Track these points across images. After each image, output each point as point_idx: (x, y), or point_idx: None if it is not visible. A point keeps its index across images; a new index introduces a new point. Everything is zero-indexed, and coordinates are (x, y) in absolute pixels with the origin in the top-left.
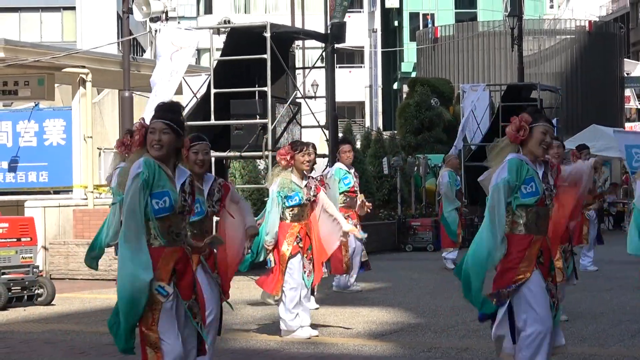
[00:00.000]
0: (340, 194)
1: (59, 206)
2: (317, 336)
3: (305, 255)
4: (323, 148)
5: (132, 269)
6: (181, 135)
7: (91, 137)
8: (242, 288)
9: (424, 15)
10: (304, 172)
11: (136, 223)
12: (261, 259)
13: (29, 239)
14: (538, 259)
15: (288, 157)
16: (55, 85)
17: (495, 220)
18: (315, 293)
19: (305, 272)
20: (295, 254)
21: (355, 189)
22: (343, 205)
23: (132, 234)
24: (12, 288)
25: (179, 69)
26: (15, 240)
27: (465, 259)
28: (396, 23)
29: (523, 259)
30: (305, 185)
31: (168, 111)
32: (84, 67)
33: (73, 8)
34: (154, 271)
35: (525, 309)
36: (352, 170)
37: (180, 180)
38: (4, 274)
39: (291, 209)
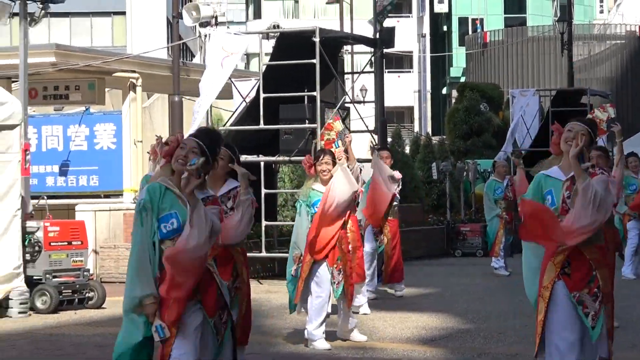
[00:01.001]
0: None
1: (110, 210)
2: (366, 341)
3: (334, 265)
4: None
5: (131, 289)
6: (209, 163)
7: (141, 141)
8: None
9: (473, 20)
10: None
11: (145, 251)
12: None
13: (79, 243)
14: (563, 269)
15: (308, 166)
16: (106, 89)
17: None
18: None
19: (334, 282)
20: (319, 261)
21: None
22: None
23: (141, 262)
24: (63, 291)
25: (225, 73)
26: (67, 243)
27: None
28: (445, 28)
29: (547, 268)
30: None
31: (206, 136)
32: (134, 71)
33: (123, 13)
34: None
35: (548, 321)
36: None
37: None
38: (55, 277)
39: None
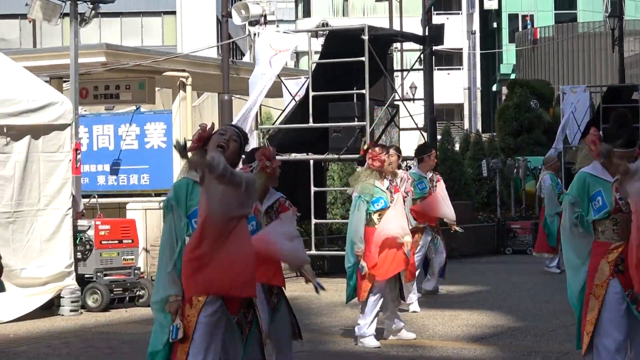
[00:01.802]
0: (415, 199)
1: (160, 208)
2: (416, 339)
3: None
4: None
5: (157, 287)
6: (240, 157)
7: (191, 140)
8: (341, 291)
9: (523, 16)
10: (387, 175)
11: (170, 249)
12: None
13: (130, 241)
14: (617, 266)
15: (382, 158)
16: (156, 88)
17: (569, 238)
18: (410, 295)
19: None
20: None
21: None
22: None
23: (164, 259)
24: (114, 289)
25: (273, 71)
26: (117, 242)
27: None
28: (495, 24)
29: (598, 266)
30: (387, 188)
31: (241, 131)
32: (184, 70)
33: (173, 12)
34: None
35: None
36: (430, 175)
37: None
38: (106, 275)
39: (378, 213)
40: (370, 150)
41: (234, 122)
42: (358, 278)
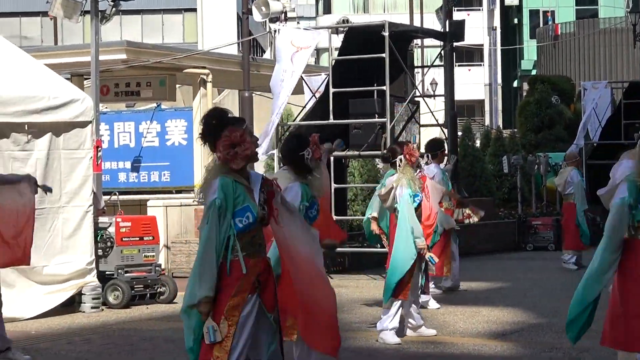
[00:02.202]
0: None
1: (181, 205)
2: (434, 335)
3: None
4: None
5: (192, 287)
6: None
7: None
8: (362, 287)
9: (544, 12)
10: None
11: (213, 251)
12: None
13: (151, 238)
14: None
15: (416, 154)
16: (177, 85)
17: (613, 240)
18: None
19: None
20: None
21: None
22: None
23: (207, 262)
24: (135, 286)
25: (298, 69)
26: (138, 239)
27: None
28: (516, 20)
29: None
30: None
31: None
32: (204, 67)
33: (194, 10)
34: (237, 283)
35: None
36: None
37: (257, 187)
38: (127, 272)
39: (416, 208)
40: (405, 147)
41: (269, 125)
42: (408, 276)
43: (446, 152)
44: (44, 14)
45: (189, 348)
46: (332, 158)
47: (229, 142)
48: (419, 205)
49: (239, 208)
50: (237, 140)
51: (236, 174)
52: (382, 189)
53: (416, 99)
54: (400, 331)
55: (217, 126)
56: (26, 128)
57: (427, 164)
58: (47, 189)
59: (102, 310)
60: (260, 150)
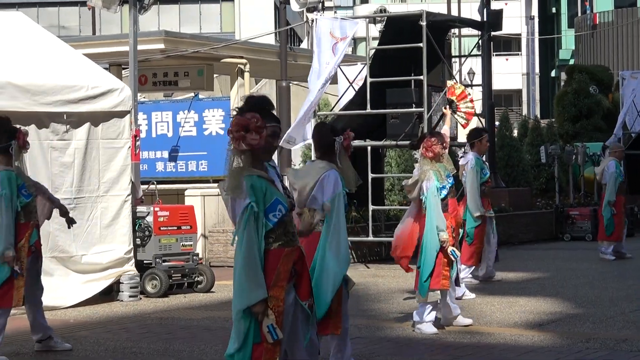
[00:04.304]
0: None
1: (218, 195)
2: (470, 325)
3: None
4: None
5: (240, 297)
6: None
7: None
8: (399, 277)
9: (582, 1)
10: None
11: (256, 253)
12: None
13: (189, 227)
14: None
15: (436, 150)
16: (214, 75)
17: None
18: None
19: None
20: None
21: (490, 179)
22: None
23: (254, 264)
24: (173, 275)
25: (336, 59)
26: (176, 228)
27: None
28: (554, 10)
29: None
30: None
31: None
32: (242, 57)
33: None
34: (273, 273)
35: None
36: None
37: (275, 176)
38: (165, 261)
39: (444, 200)
40: (426, 140)
41: (301, 113)
42: (438, 266)
43: (486, 140)
44: (82, 4)
45: (229, 355)
46: (369, 148)
47: (245, 124)
48: (446, 196)
49: (269, 204)
50: (252, 127)
51: (257, 168)
52: (409, 180)
53: None
54: (437, 321)
55: (242, 110)
56: (65, 118)
57: (465, 152)
58: (71, 222)
59: (140, 299)
60: (298, 140)
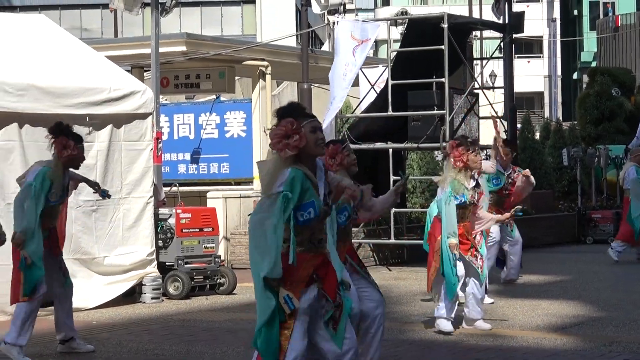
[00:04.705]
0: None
1: (240, 197)
2: (489, 329)
3: (469, 253)
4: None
5: (260, 267)
6: None
7: (270, 129)
8: (421, 279)
9: (604, 3)
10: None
11: (281, 239)
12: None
13: (211, 229)
14: None
15: (465, 159)
16: (236, 78)
17: None
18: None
19: (477, 267)
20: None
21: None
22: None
23: (275, 246)
24: (195, 277)
25: (357, 62)
26: (198, 230)
27: None
28: (576, 12)
29: None
30: (472, 187)
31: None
32: (263, 59)
33: (253, 2)
34: (292, 274)
35: None
36: (509, 172)
37: (322, 181)
38: (187, 263)
39: (460, 207)
40: (453, 150)
41: (326, 116)
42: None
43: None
44: (105, 6)
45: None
46: (390, 150)
47: (282, 133)
48: (462, 205)
49: (304, 202)
50: (289, 132)
51: (305, 166)
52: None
53: (475, 91)
54: (455, 320)
55: (280, 117)
56: (87, 120)
57: (487, 157)
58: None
59: (162, 300)
60: None
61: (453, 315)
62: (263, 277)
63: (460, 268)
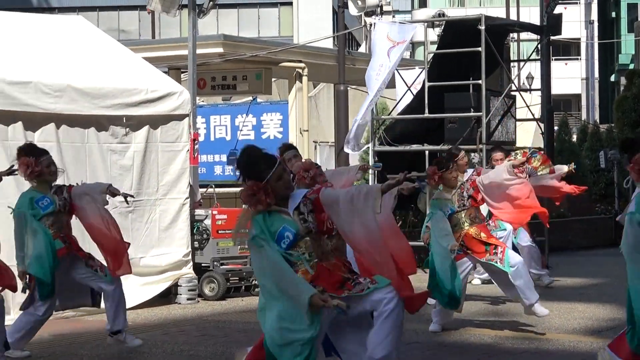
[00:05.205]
0: None
1: None
2: (531, 332)
3: (486, 254)
4: (538, 141)
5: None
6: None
7: (307, 130)
8: None
9: None
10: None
11: (284, 263)
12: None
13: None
14: None
15: (436, 178)
16: (272, 79)
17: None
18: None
19: (496, 262)
20: (459, 260)
21: None
22: None
23: (288, 273)
24: (231, 278)
25: (391, 63)
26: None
27: None
28: (613, 14)
29: None
30: (456, 194)
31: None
32: (300, 61)
33: (290, 4)
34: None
35: None
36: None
37: (294, 205)
38: (222, 264)
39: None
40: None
41: (357, 117)
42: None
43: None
44: (142, 7)
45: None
46: (426, 152)
47: (249, 192)
48: (452, 213)
49: (277, 234)
50: (252, 191)
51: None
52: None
53: (512, 93)
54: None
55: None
56: (124, 121)
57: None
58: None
59: (198, 302)
60: (349, 146)
61: (441, 323)
62: (309, 300)
63: (463, 264)
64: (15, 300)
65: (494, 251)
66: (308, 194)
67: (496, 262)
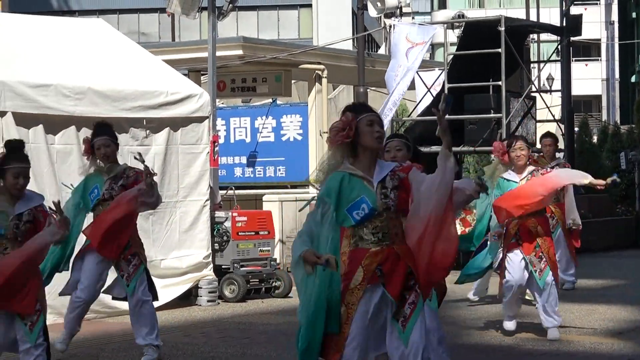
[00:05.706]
0: None
1: (296, 200)
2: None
3: (533, 253)
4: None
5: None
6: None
7: (327, 132)
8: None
9: None
10: (521, 166)
11: (310, 228)
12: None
13: (266, 233)
14: None
15: (501, 153)
16: (292, 81)
17: None
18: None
19: (535, 270)
20: (512, 250)
21: None
22: None
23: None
24: (251, 280)
25: (413, 65)
26: (254, 233)
27: None
28: (634, 15)
29: None
30: (525, 179)
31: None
32: (319, 63)
33: (309, 5)
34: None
35: None
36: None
37: (380, 177)
38: (242, 266)
39: None
40: (494, 144)
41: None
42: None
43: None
44: (162, 10)
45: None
46: None
47: (339, 126)
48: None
49: (353, 202)
50: (344, 125)
51: (352, 166)
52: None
53: (532, 94)
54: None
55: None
56: (145, 123)
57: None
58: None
59: (218, 303)
60: None
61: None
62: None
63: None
64: None
65: (539, 255)
66: (397, 169)
67: (535, 271)
